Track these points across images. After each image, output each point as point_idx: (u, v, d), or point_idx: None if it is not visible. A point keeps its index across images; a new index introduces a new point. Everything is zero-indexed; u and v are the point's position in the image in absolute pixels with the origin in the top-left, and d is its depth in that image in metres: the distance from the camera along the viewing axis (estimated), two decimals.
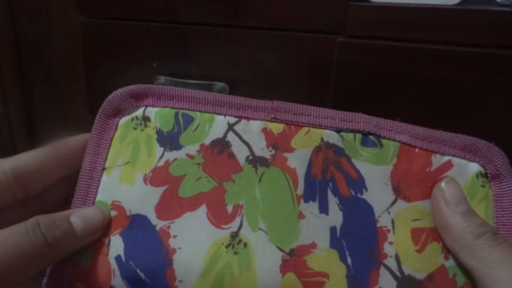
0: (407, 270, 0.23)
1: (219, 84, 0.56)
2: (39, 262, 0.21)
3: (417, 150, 0.24)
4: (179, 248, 0.23)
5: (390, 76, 0.48)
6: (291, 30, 0.52)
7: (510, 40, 0.43)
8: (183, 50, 0.58)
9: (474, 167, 0.24)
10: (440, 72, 0.46)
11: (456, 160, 0.24)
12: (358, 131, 0.25)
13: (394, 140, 0.24)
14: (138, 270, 0.23)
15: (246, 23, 0.53)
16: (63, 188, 0.25)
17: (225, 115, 0.25)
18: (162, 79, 0.59)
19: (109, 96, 0.26)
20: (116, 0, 0.60)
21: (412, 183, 0.24)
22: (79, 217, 0.23)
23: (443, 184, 0.23)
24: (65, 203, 0.25)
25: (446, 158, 0.24)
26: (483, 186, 0.24)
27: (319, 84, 0.52)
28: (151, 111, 0.26)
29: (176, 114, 0.26)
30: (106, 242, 0.24)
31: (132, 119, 0.26)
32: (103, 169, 0.25)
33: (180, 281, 0.23)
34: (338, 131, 0.25)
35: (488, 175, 0.24)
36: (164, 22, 0.58)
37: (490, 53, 0.44)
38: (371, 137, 0.25)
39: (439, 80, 0.46)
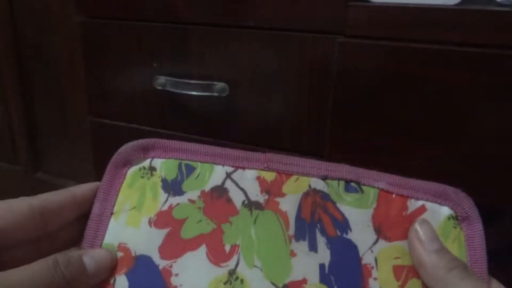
0: None
1: (219, 84, 0.57)
2: None
3: (394, 195, 0.27)
4: (181, 285, 0.26)
5: (390, 76, 0.48)
6: (291, 30, 0.52)
7: (510, 40, 0.43)
8: (183, 50, 0.58)
9: (446, 211, 0.27)
10: (440, 72, 0.46)
11: (429, 204, 0.27)
12: (341, 179, 0.27)
13: (373, 187, 0.27)
14: None
15: (246, 23, 0.54)
16: (73, 228, 0.28)
17: (223, 165, 0.28)
18: (162, 79, 0.59)
19: (120, 148, 0.28)
20: (116, 0, 0.60)
21: (391, 225, 0.27)
22: (91, 257, 0.25)
23: (416, 225, 0.26)
24: (73, 244, 0.27)
25: (420, 202, 0.27)
26: (454, 227, 0.26)
27: (319, 84, 0.52)
28: (157, 162, 0.29)
29: (180, 165, 0.28)
30: (112, 281, 0.26)
31: (140, 169, 0.28)
32: (111, 214, 0.27)
33: None
34: (324, 178, 0.28)
35: (459, 217, 0.26)
36: (164, 22, 0.58)
37: (490, 53, 0.44)
38: (353, 184, 0.27)
39: (439, 80, 0.46)
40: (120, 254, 0.26)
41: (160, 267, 0.26)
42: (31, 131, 1.08)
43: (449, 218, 0.26)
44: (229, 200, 0.27)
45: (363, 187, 0.27)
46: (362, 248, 0.26)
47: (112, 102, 0.65)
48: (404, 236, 0.26)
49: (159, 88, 0.60)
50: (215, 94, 0.57)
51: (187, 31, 0.57)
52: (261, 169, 0.28)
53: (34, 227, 0.25)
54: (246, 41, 0.54)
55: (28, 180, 1.12)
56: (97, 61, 0.64)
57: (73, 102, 1.00)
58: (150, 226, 0.27)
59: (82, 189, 0.27)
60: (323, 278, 0.26)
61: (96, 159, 0.69)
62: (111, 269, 0.26)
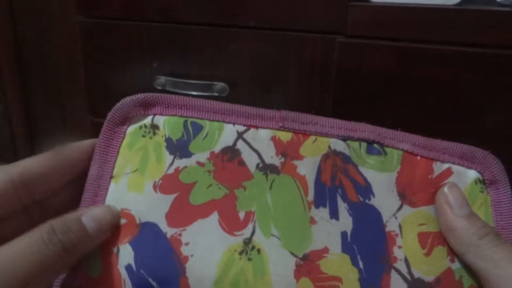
0: (416, 273, 0.24)
1: (219, 84, 0.57)
2: (58, 268, 0.21)
3: (418, 158, 0.25)
4: (192, 255, 0.23)
5: (390, 76, 0.48)
6: (291, 30, 0.52)
7: (510, 40, 0.43)
8: (183, 50, 0.58)
9: (473, 174, 0.25)
10: (440, 72, 0.46)
11: (455, 168, 0.25)
12: (363, 140, 0.25)
13: (397, 148, 0.26)
14: (150, 279, 0.23)
15: (246, 23, 0.53)
16: (66, 193, 0.25)
17: (234, 123, 0.26)
18: (162, 79, 0.59)
19: (117, 104, 0.26)
20: (116, 0, 0.60)
21: (416, 189, 0.25)
22: (90, 217, 0.22)
23: (446, 189, 0.24)
24: (68, 208, 0.25)
25: (446, 165, 0.25)
26: (481, 191, 0.25)
27: (319, 84, 0.52)
28: (160, 119, 0.26)
29: (185, 123, 0.26)
30: (115, 251, 0.24)
31: (141, 127, 0.26)
32: (111, 177, 0.25)
33: None
34: (345, 139, 0.26)
35: (486, 181, 0.25)
36: (164, 22, 0.58)
37: (490, 53, 0.44)
38: (375, 145, 0.26)
39: (439, 80, 0.46)
40: (123, 221, 0.24)
41: (168, 235, 0.24)
42: (31, 131, 1.08)
43: (476, 182, 0.25)
44: (242, 163, 0.25)
45: (386, 149, 0.25)
46: (385, 214, 0.24)
47: (112, 102, 0.65)
48: (430, 201, 0.25)
49: (159, 88, 0.60)
50: (215, 94, 0.57)
51: (187, 31, 0.57)
52: (276, 129, 0.26)
53: (16, 199, 0.23)
54: (246, 41, 0.54)
55: None
56: (97, 61, 0.64)
57: (73, 102, 1.00)
58: (155, 190, 0.24)
59: (73, 150, 0.25)
60: (345, 247, 0.24)
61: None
62: (114, 226, 0.24)
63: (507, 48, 0.43)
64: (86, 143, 0.25)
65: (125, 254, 0.23)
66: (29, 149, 1.09)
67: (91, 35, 0.64)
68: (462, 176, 0.25)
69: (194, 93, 0.58)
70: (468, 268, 0.23)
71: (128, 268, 0.23)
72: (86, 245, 0.22)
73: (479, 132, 0.46)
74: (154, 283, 0.23)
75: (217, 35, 0.56)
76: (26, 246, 0.20)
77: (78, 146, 0.25)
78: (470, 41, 0.44)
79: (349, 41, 0.49)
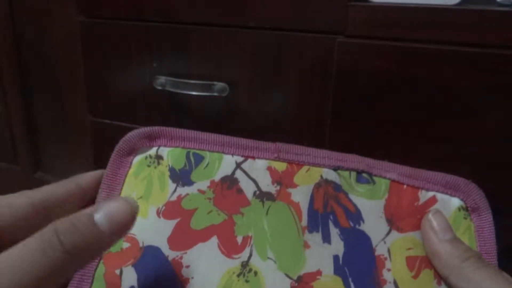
0: None
1: (219, 84, 0.57)
2: (63, 274, 0.19)
3: (405, 186, 0.27)
4: (192, 277, 0.25)
5: (390, 76, 0.48)
6: (291, 30, 0.52)
7: (510, 40, 0.43)
8: (183, 50, 0.58)
9: (456, 202, 0.27)
10: (440, 72, 0.46)
11: (439, 195, 0.27)
12: (353, 169, 0.27)
13: (384, 177, 0.27)
14: None
15: (246, 23, 0.53)
16: None
17: (232, 154, 0.28)
18: (162, 79, 0.59)
19: (125, 136, 0.27)
20: (116, 0, 0.60)
21: (404, 216, 0.26)
22: (103, 213, 0.20)
23: (430, 215, 0.26)
24: None
25: (431, 193, 0.27)
26: (465, 218, 0.26)
27: (319, 84, 0.52)
28: (164, 151, 0.28)
29: (188, 153, 0.28)
30: (118, 273, 0.25)
31: (146, 157, 0.27)
32: None
33: None
34: (336, 169, 0.27)
35: (469, 208, 0.27)
36: (164, 22, 0.58)
37: (490, 53, 0.44)
38: (364, 175, 0.27)
39: (439, 80, 0.46)
40: (126, 244, 0.25)
41: (170, 258, 0.25)
42: (31, 131, 1.08)
43: (459, 209, 0.26)
44: (240, 191, 0.27)
45: (375, 178, 0.27)
46: (375, 239, 0.26)
47: (112, 102, 0.65)
48: (416, 227, 0.26)
49: (159, 88, 0.60)
50: (215, 94, 0.57)
51: (187, 31, 0.57)
52: (271, 159, 0.27)
53: (35, 222, 0.23)
54: (246, 41, 0.54)
55: (28, 180, 1.12)
56: (97, 61, 0.64)
57: (73, 102, 1.00)
58: (159, 216, 0.26)
59: (86, 179, 0.26)
60: (337, 269, 0.25)
61: (96, 159, 0.69)
62: (134, 222, 0.22)
63: (507, 48, 0.43)
64: (97, 172, 0.27)
65: (128, 277, 0.25)
66: (29, 149, 1.09)
67: (91, 35, 0.64)
68: (446, 204, 0.27)
69: (194, 93, 0.58)
70: None
71: None
72: (99, 246, 0.20)
73: (479, 132, 0.46)
74: None
75: (217, 35, 0.56)
76: (24, 253, 0.18)
77: (90, 175, 0.26)
78: (470, 41, 0.44)
79: (349, 41, 0.49)
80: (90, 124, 0.68)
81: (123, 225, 0.21)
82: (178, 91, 0.59)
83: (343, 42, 0.49)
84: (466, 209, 0.26)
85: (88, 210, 0.21)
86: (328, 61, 0.51)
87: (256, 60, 0.55)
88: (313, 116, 0.54)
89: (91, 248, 0.20)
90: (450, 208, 0.26)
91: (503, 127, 0.45)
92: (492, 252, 0.25)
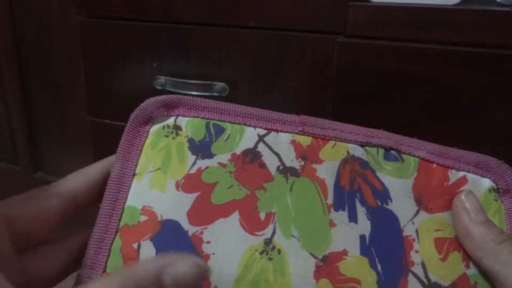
0: (433, 278, 0.24)
1: (219, 84, 0.57)
2: None
3: (434, 165, 0.26)
4: (213, 254, 0.24)
5: (389, 76, 0.48)
6: (291, 30, 0.52)
7: (510, 40, 0.43)
8: (183, 50, 0.58)
9: (487, 183, 0.26)
10: (440, 72, 0.46)
11: (470, 176, 0.26)
12: (381, 146, 0.26)
13: (413, 155, 0.26)
14: None
15: (246, 23, 0.53)
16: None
17: (254, 127, 0.26)
18: (162, 79, 0.59)
19: (141, 104, 0.27)
20: (116, 0, 0.60)
21: (432, 196, 0.25)
22: (172, 276, 0.19)
23: (463, 196, 0.25)
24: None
25: (461, 173, 0.26)
26: (495, 200, 0.25)
27: (319, 84, 0.52)
28: (182, 121, 0.26)
29: (207, 124, 0.26)
30: (136, 247, 0.24)
31: (164, 127, 0.26)
32: (134, 175, 0.25)
33: (215, 287, 0.23)
34: (363, 145, 0.26)
35: (500, 190, 0.26)
36: (164, 22, 0.58)
37: (490, 53, 0.44)
38: (393, 152, 0.26)
39: (439, 80, 0.46)
40: (144, 217, 0.24)
41: (190, 233, 0.24)
42: (31, 131, 1.08)
43: (490, 191, 0.26)
44: (263, 165, 0.26)
45: (403, 156, 0.26)
46: (403, 219, 0.25)
47: (112, 102, 0.65)
48: (445, 207, 0.25)
49: (159, 88, 0.60)
50: (215, 94, 0.57)
51: (187, 31, 0.57)
52: (296, 133, 0.26)
53: (63, 216, 0.24)
54: (246, 41, 0.54)
55: (28, 180, 1.12)
56: (97, 61, 0.64)
57: (73, 102, 1.00)
58: (178, 189, 0.25)
59: (100, 167, 0.26)
60: (364, 250, 0.24)
61: (96, 159, 0.69)
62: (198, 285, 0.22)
63: (507, 48, 0.43)
64: (107, 161, 0.27)
65: (146, 251, 0.24)
66: (29, 149, 1.09)
67: (91, 35, 0.64)
68: (477, 185, 0.26)
69: (194, 93, 0.58)
70: (483, 274, 0.24)
71: None
72: None
73: (479, 132, 0.46)
74: None
75: (217, 35, 0.56)
76: None
77: (101, 164, 0.26)
78: (470, 41, 0.44)
79: (349, 41, 0.49)
80: (90, 124, 0.68)
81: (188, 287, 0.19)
82: (178, 91, 0.59)
83: (343, 42, 0.49)
84: (497, 190, 0.26)
85: (152, 266, 0.19)
86: (328, 61, 0.51)
87: (256, 60, 0.55)
88: (313, 116, 0.54)
89: None
90: (480, 189, 0.26)
91: (503, 127, 0.45)
92: None
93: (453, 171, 0.26)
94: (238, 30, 0.54)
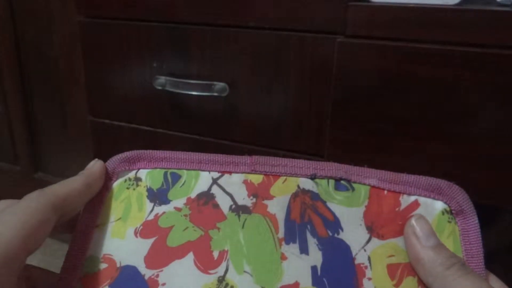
0: None
1: (219, 84, 0.57)
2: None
3: (385, 192, 0.26)
4: None
5: (390, 76, 0.48)
6: (291, 30, 0.52)
7: (510, 40, 0.43)
8: (183, 50, 0.58)
9: (439, 205, 0.26)
10: (440, 72, 0.46)
11: (422, 199, 0.26)
12: (331, 177, 0.27)
13: (364, 184, 0.27)
14: None
15: (246, 23, 0.53)
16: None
17: (209, 171, 0.28)
18: (162, 79, 0.59)
19: (107, 162, 0.28)
20: (116, 0, 0.60)
21: (384, 222, 0.26)
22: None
23: (413, 221, 0.25)
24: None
25: (413, 198, 0.26)
26: (449, 222, 0.26)
27: (319, 84, 0.52)
28: (143, 173, 0.28)
29: (165, 173, 0.28)
30: None
31: (125, 181, 0.28)
32: (96, 226, 0.27)
33: None
34: (313, 178, 0.27)
35: (453, 211, 0.26)
36: (164, 22, 0.58)
37: (490, 53, 0.44)
38: (343, 182, 0.27)
39: (439, 80, 0.46)
40: (104, 265, 0.26)
41: (146, 277, 0.25)
42: (31, 131, 1.08)
43: (443, 213, 0.26)
44: (216, 206, 0.27)
45: (354, 185, 0.27)
46: (354, 247, 0.26)
47: (112, 102, 0.65)
48: (398, 233, 0.26)
49: (159, 88, 0.60)
50: (215, 94, 0.57)
51: (187, 31, 0.57)
52: (247, 172, 0.27)
53: (53, 225, 0.24)
54: (246, 41, 0.54)
55: (28, 180, 1.12)
56: (97, 61, 0.64)
57: (73, 102, 1.00)
58: (136, 236, 0.26)
59: (91, 172, 0.27)
60: (316, 280, 0.25)
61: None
62: (103, 175, 0.27)
63: (507, 48, 0.43)
64: (97, 164, 0.27)
65: None
66: (29, 149, 1.09)
67: (91, 35, 0.64)
68: (429, 208, 0.26)
69: (194, 93, 0.58)
70: None
71: None
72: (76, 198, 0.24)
73: (479, 132, 0.46)
74: None
75: (217, 35, 0.56)
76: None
77: (92, 168, 0.27)
78: (470, 41, 0.44)
79: (349, 41, 0.49)
80: (90, 124, 0.68)
81: (94, 175, 0.26)
82: (178, 91, 0.59)
83: (343, 42, 0.49)
84: (450, 212, 0.26)
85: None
86: (328, 61, 0.51)
87: (256, 60, 0.55)
88: (313, 116, 0.54)
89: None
90: (433, 212, 0.26)
91: (503, 127, 0.45)
92: (478, 256, 0.25)
93: (405, 196, 0.26)
94: (238, 30, 0.54)
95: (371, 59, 0.48)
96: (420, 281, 0.25)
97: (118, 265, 0.26)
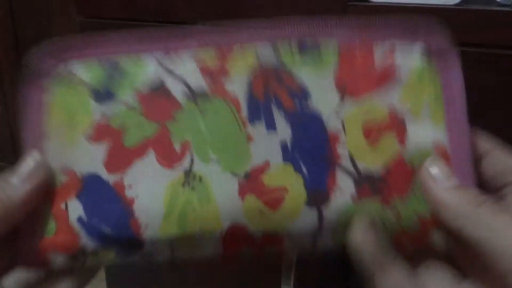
0: (361, 165, 0.23)
1: None
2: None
3: (356, 41, 0.24)
4: (137, 196, 0.24)
5: None
6: None
7: (510, 40, 0.43)
8: None
9: (418, 47, 0.24)
10: None
11: (398, 43, 0.24)
12: (293, 38, 0.24)
13: (331, 38, 0.24)
14: (102, 227, 0.23)
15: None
16: None
17: (151, 51, 0.24)
18: None
19: (28, 61, 0.25)
20: (116, 0, 0.60)
21: (357, 78, 0.23)
22: (17, 179, 0.23)
23: (426, 164, 0.23)
24: None
25: (387, 43, 0.24)
26: (429, 64, 0.24)
27: None
28: (76, 67, 0.25)
29: (102, 64, 0.25)
30: (64, 207, 0.24)
31: (59, 79, 0.25)
32: (43, 139, 0.24)
33: (146, 227, 0.23)
34: (273, 42, 0.24)
35: (432, 52, 0.24)
36: (164, 22, 0.58)
37: (490, 53, 0.44)
38: (307, 41, 0.24)
39: None
40: (65, 178, 0.24)
41: (111, 182, 0.24)
42: None
43: (423, 55, 0.24)
44: (168, 93, 0.24)
45: (320, 42, 0.24)
46: (325, 113, 0.23)
47: None
48: (373, 87, 0.23)
49: None
50: None
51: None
52: (196, 47, 0.24)
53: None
54: None
55: None
56: None
57: None
58: (88, 141, 0.24)
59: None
60: (287, 156, 0.23)
61: None
62: (43, 172, 0.23)
63: (507, 48, 0.43)
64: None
65: (74, 208, 0.24)
66: None
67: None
68: (407, 52, 0.23)
69: None
70: (419, 151, 0.23)
71: (80, 220, 0.24)
72: (12, 213, 0.22)
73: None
74: (107, 230, 0.23)
75: None
76: None
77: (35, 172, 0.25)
78: (470, 41, 0.44)
79: None
80: None
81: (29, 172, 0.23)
82: None
83: None
84: (429, 53, 0.24)
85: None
86: None
87: None
88: None
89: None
90: (412, 55, 0.23)
91: (504, 127, 0.45)
92: (459, 100, 0.23)
93: (378, 42, 0.23)
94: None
95: None
96: (400, 137, 0.23)
97: (79, 176, 0.24)
